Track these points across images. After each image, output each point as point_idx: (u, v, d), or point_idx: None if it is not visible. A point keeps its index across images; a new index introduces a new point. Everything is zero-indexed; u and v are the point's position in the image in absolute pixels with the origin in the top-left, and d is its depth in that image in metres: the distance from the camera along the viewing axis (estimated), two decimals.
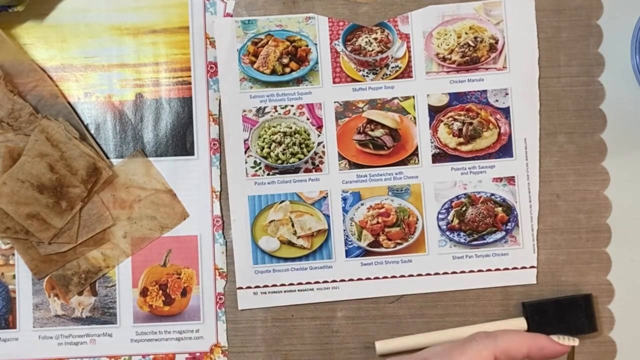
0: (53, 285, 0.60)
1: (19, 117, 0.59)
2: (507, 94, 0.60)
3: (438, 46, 0.60)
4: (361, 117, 0.60)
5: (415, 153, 0.60)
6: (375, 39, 0.60)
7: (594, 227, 0.60)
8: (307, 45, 0.60)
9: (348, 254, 0.60)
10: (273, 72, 0.60)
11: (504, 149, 0.60)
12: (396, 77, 0.60)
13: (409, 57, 0.60)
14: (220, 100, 0.60)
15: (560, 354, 0.44)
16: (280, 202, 0.60)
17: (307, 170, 0.60)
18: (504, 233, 0.60)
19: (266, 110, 0.60)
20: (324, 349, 0.59)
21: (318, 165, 0.60)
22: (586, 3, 0.60)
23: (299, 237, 0.60)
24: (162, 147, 0.60)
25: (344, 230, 0.60)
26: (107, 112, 0.60)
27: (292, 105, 0.60)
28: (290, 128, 0.60)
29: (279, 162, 0.60)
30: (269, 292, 0.60)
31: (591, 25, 0.60)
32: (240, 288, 0.60)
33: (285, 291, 0.60)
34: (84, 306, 0.60)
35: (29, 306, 0.60)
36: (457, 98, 0.60)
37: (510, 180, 0.60)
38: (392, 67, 0.60)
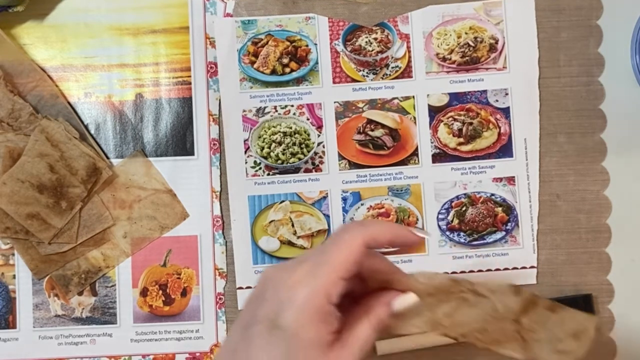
0: (53, 285, 0.60)
1: (19, 117, 0.59)
2: (507, 94, 0.60)
3: (438, 46, 0.60)
4: (361, 117, 0.60)
5: (415, 153, 0.60)
6: (375, 39, 0.60)
7: (594, 227, 0.60)
8: (307, 45, 0.60)
9: None
10: (273, 72, 0.60)
11: (504, 149, 0.60)
12: (396, 77, 0.60)
13: (409, 57, 0.60)
14: (220, 100, 0.60)
15: (416, 242, 0.48)
16: (280, 202, 0.60)
17: (307, 170, 0.60)
18: (504, 233, 0.60)
19: (266, 110, 0.60)
20: None
21: (318, 165, 0.60)
22: (586, 3, 0.60)
23: (299, 237, 0.60)
24: (162, 147, 0.60)
25: None
26: (107, 112, 0.60)
27: (292, 105, 0.60)
28: (290, 128, 0.60)
29: (279, 162, 0.60)
30: None
31: (591, 25, 0.60)
32: (240, 288, 0.60)
33: None
34: (84, 306, 0.60)
35: (29, 306, 0.60)
36: (457, 98, 0.60)
37: (510, 180, 0.60)
38: (392, 67, 0.60)
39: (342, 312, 0.44)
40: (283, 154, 0.60)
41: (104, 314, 0.60)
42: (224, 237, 0.60)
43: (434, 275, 0.46)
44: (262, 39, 0.60)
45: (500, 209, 0.60)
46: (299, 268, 0.43)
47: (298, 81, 0.60)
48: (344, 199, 0.60)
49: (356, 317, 0.45)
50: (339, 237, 0.43)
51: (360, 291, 0.46)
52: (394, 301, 0.45)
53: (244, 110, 0.60)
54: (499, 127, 0.60)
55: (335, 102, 0.60)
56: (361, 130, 0.60)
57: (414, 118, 0.60)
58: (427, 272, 0.47)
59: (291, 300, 0.42)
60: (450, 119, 0.60)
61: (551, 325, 0.47)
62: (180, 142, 0.60)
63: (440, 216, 0.60)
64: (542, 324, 0.47)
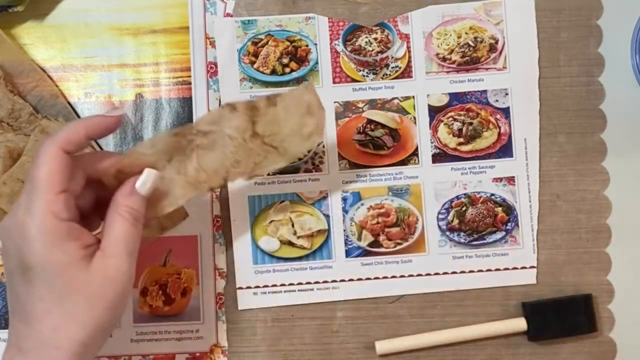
0: None
1: (19, 117, 0.59)
2: (507, 94, 0.60)
3: (438, 46, 0.60)
4: (361, 117, 0.60)
5: (415, 153, 0.60)
6: (375, 39, 0.60)
7: (594, 227, 0.60)
8: (307, 45, 0.60)
9: (348, 254, 0.60)
10: (273, 72, 0.60)
11: (504, 149, 0.60)
12: (396, 77, 0.60)
13: (409, 57, 0.60)
14: (220, 100, 0.60)
15: (114, 124, 0.46)
16: (280, 202, 0.60)
17: (307, 170, 0.60)
18: (504, 233, 0.60)
19: None
20: (324, 349, 0.59)
21: (318, 165, 0.60)
22: (586, 3, 0.60)
23: (299, 237, 0.60)
24: None
25: (344, 230, 0.60)
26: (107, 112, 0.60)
27: None
28: None
29: None
30: (269, 292, 0.60)
31: (591, 25, 0.60)
32: (240, 288, 0.60)
33: (285, 291, 0.60)
34: None
35: None
36: (457, 98, 0.60)
37: (510, 180, 0.60)
38: (392, 67, 0.60)
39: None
40: None
41: None
42: (224, 237, 0.60)
43: (154, 139, 0.46)
44: (262, 39, 0.60)
45: (500, 209, 0.60)
46: (18, 207, 0.43)
47: (298, 81, 0.60)
48: (344, 199, 0.60)
49: (109, 219, 0.45)
50: (35, 157, 0.44)
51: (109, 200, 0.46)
52: (136, 185, 0.45)
53: None
54: (499, 127, 0.60)
55: (335, 102, 0.60)
56: (361, 130, 0.60)
57: (414, 118, 0.60)
58: (146, 141, 0.46)
59: (25, 237, 0.42)
60: (450, 119, 0.60)
61: (284, 118, 0.47)
62: None
63: (440, 216, 0.60)
64: (277, 123, 0.47)
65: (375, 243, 0.60)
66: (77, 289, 0.42)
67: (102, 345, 0.45)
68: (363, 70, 0.60)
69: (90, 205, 0.48)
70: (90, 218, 0.48)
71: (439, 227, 0.60)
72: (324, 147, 0.60)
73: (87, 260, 0.43)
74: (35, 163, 0.43)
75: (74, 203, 0.45)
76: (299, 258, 0.60)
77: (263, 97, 0.47)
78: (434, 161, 0.60)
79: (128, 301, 0.59)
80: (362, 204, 0.60)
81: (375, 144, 0.60)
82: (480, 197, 0.60)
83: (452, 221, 0.60)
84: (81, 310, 0.42)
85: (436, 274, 0.60)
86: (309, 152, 0.48)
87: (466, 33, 0.60)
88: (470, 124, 0.60)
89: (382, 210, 0.60)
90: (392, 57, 0.60)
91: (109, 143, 0.60)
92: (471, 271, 0.60)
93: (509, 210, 0.60)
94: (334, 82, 0.60)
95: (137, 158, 0.46)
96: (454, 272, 0.60)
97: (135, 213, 0.45)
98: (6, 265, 0.44)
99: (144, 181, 0.45)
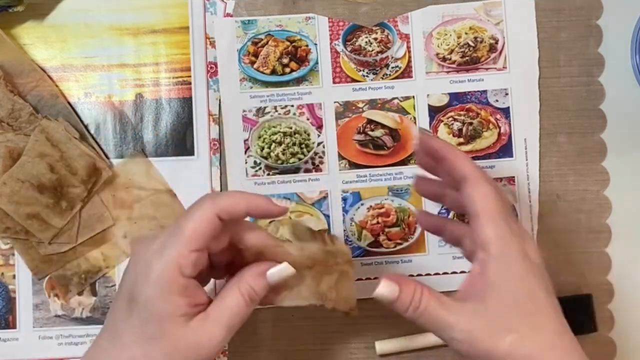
0: (53, 285, 0.60)
1: (19, 117, 0.59)
2: (507, 94, 0.60)
3: (438, 46, 0.60)
4: (361, 117, 0.60)
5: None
6: (375, 39, 0.60)
7: (594, 227, 0.60)
8: (307, 45, 0.60)
9: None
10: (273, 72, 0.60)
11: (504, 149, 0.60)
12: (396, 77, 0.60)
13: (409, 57, 0.60)
14: (220, 100, 0.60)
15: (276, 213, 0.46)
16: None
17: (307, 171, 0.60)
18: None
19: (266, 110, 0.60)
20: (324, 349, 0.59)
21: (318, 166, 0.60)
22: (586, 3, 0.60)
23: None
24: (162, 147, 0.60)
25: (344, 231, 0.60)
26: (107, 112, 0.60)
27: (292, 106, 0.60)
28: (290, 128, 0.60)
29: (279, 162, 0.60)
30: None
31: (591, 25, 0.60)
32: None
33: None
34: (84, 306, 0.60)
35: (29, 306, 0.59)
36: (457, 98, 0.60)
37: (510, 180, 0.60)
38: (392, 67, 0.60)
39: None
40: (283, 154, 0.60)
41: (104, 314, 0.59)
42: None
43: (304, 244, 0.47)
44: (262, 39, 0.60)
45: None
46: (155, 241, 0.44)
47: (298, 81, 0.60)
48: (344, 199, 0.60)
49: (227, 288, 0.45)
50: (191, 210, 0.44)
51: (240, 265, 0.46)
52: (269, 272, 0.45)
53: (244, 110, 0.60)
54: (499, 127, 0.60)
55: (335, 102, 0.60)
56: (361, 130, 0.60)
57: (414, 118, 0.60)
58: (297, 242, 0.47)
59: (146, 274, 0.43)
60: (450, 119, 0.60)
61: None
62: (180, 142, 0.60)
63: None
64: None
65: (375, 243, 0.60)
66: (166, 338, 0.43)
67: None
68: (363, 70, 0.60)
69: (224, 264, 0.48)
70: (217, 272, 0.49)
71: None
72: (324, 147, 0.60)
73: (188, 317, 0.43)
74: (188, 214, 0.44)
75: (206, 260, 0.45)
76: None
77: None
78: None
79: None
80: (362, 204, 0.60)
81: (375, 144, 0.60)
82: None
83: None
84: (159, 357, 0.43)
85: (436, 274, 0.60)
86: None
87: (466, 33, 0.60)
88: (470, 124, 0.60)
89: (382, 211, 0.60)
90: (392, 57, 0.60)
91: (108, 143, 0.60)
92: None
93: None
94: (334, 82, 0.60)
95: (283, 253, 0.47)
96: (454, 272, 0.60)
97: (253, 295, 0.45)
98: (121, 283, 0.45)
99: (278, 273, 0.46)
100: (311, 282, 0.47)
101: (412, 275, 0.59)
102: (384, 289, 0.44)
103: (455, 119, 0.60)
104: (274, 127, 0.60)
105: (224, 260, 0.48)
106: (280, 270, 0.46)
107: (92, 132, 0.60)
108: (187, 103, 0.60)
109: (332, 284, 0.48)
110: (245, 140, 0.60)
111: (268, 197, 0.46)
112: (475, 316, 0.42)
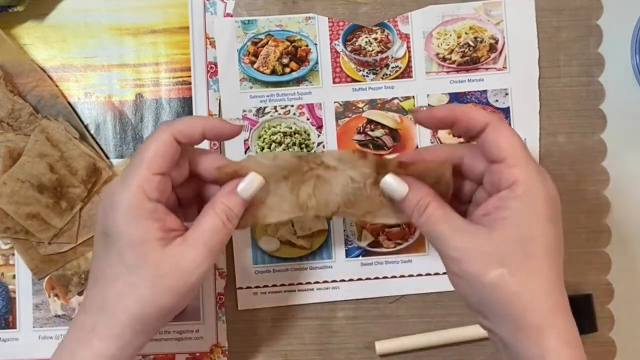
0: (53, 285, 0.60)
1: (19, 117, 0.59)
2: (507, 94, 0.60)
3: (438, 46, 0.60)
4: (361, 117, 0.60)
5: None
6: (375, 39, 0.60)
7: (594, 227, 0.60)
8: (307, 45, 0.60)
9: (348, 254, 0.60)
10: (273, 72, 0.60)
11: None
12: (396, 77, 0.60)
13: (409, 57, 0.60)
14: (220, 100, 0.60)
15: (231, 132, 0.47)
16: None
17: None
18: None
19: (266, 110, 0.60)
20: (324, 349, 0.59)
21: None
22: (586, 3, 0.60)
23: (299, 237, 0.60)
24: None
25: (344, 230, 0.60)
26: (107, 112, 0.60)
27: (292, 105, 0.60)
28: (290, 128, 0.60)
29: None
30: (269, 292, 0.60)
31: (591, 25, 0.60)
32: (240, 288, 0.60)
33: (285, 291, 0.60)
34: None
35: (29, 306, 0.60)
36: (457, 98, 0.60)
37: None
38: (392, 67, 0.60)
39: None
40: None
41: None
42: None
43: (277, 154, 0.47)
44: (262, 39, 0.60)
45: None
46: (118, 178, 0.45)
47: (298, 81, 0.60)
48: None
49: (203, 212, 0.46)
50: (149, 137, 0.45)
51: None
52: (239, 186, 0.46)
53: (244, 110, 0.60)
54: None
55: (335, 102, 0.60)
56: (361, 130, 0.60)
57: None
58: (268, 153, 0.47)
59: (113, 205, 0.44)
60: None
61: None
62: None
63: None
64: None
65: (375, 243, 0.60)
66: (146, 265, 0.43)
67: (159, 328, 0.46)
68: (363, 70, 0.60)
69: (191, 198, 0.49)
70: (190, 210, 0.50)
71: None
72: (324, 147, 0.60)
73: (164, 242, 0.44)
74: (146, 142, 0.45)
75: (170, 188, 0.46)
76: (299, 258, 0.60)
77: (395, 159, 0.47)
78: None
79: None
80: None
81: (375, 144, 0.60)
82: None
83: None
84: (143, 285, 0.43)
85: (436, 274, 0.60)
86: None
87: (466, 33, 0.60)
88: None
89: None
90: (392, 57, 0.60)
91: (108, 143, 0.60)
92: None
93: None
94: (334, 82, 0.60)
95: (255, 164, 0.47)
96: None
97: (229, 212, 0.45)
98: (95, 227, 0.46)
99: (247, 185, 0.46)
100: (289, 194, 0.47)
101: (412, 276, 0.60)
102: (392, 180, 0.45)
103: None
104: (274, 127, 0.60)
105: (190, 194, 0.48)
106: (249, 182, 0.46)
107: (92, 132, 0.60)
108: (187, 103, 0.60)
109: (310, 191, 0.47)
110: (245, 140, 0.60)
111: (223, 119, 0.47)
112: (474, 239, 0.42)
